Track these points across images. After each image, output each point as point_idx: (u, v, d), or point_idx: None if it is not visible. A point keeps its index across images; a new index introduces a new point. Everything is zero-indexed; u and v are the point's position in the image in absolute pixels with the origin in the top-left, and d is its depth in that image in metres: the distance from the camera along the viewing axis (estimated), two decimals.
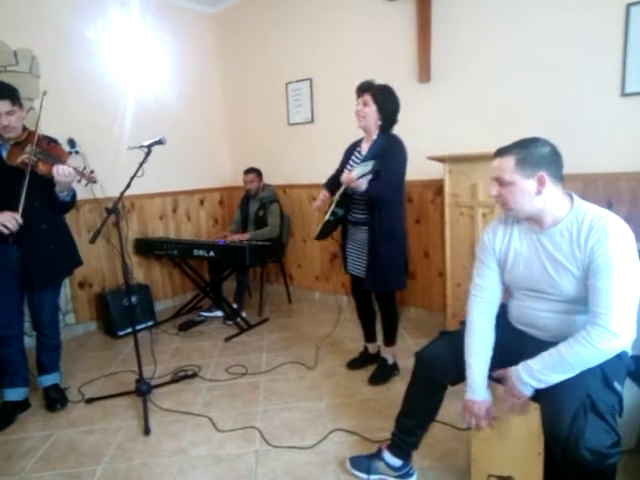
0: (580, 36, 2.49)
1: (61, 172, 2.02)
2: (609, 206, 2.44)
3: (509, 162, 1.31)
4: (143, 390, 2.29)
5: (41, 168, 2.07)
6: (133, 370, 2.60)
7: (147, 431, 2.11)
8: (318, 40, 3.67)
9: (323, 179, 2.54)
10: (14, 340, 2.27)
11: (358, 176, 2.04)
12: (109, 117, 3.58)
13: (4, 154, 2.10)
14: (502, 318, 1.55)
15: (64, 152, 2.22)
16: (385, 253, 2.24)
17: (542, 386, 1.26)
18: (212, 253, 3.38)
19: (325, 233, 2.38)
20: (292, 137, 4.03)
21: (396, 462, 1.67)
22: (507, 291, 1.56)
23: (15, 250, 2.16)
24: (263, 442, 2.00)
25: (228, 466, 1.86)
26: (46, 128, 2.43)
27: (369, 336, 2.66)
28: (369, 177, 2.08)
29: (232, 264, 3.56)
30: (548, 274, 1.35)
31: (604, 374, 1.23)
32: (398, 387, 2.36)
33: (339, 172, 2.44)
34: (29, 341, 2.54)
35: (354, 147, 2.42)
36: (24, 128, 2.17)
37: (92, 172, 2.09)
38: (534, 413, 1.32)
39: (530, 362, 1.28)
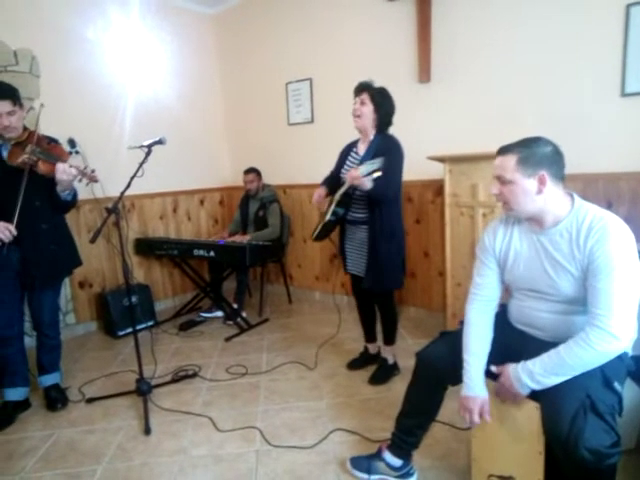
0: (580, 36, 2.49)
1: (63, 170, 2.02)
2: (609, 206, 2.45)
3: (510, 161, 1.31)
4: (143, 390, 2.30)
5: (41, 168, 2.07)
6: (133, 370, 2.60)
7: (147, 431, 2.11)
8: (318, 40, 3.67)
9: (323, 179, 2.54)
10: (14, 340, 2.27)
11: (364, 174, 2.03)
12: (109, 117, 3.58)
13: (5, 154, 2.10)
14: (502, 318, 1.55)
15: (64, 152, 2.23)
16: (385, 252, 2.26)
17: (540, 388, 1.26)
18: (212, 253, 3.38)
19: (324, 234, 2.39)
20: (292, 137, 4.03)
21: (396, 462, 1.67)
22: (507, 291, 1.56)
23: (15, 250, 2.16)
24: (264, 442, 2.00)
25: (228, 466, 1.86)
26: (46, 128, 2.43)
27: (369, 336, 2.66)
28: (375, 175, 2.07)
29: (232, 264, 3.56)
30: (548, 274, 1.35)
31: (604, 374, 1.23)
32: (398, 387, 2.37)
33: (334, 173, 2.45)
34: (29, 341, 2.54)
35: (350, 148, 2.43)
36: (25, 128, 2.17)
37: (93, 171, 2.09)
38: (534, 413, 1.32)
39: (530, 364, 1.28)
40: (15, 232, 2.03)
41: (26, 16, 3.10)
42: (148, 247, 3.77)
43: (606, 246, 1.21)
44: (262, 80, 4.15)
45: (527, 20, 2.65)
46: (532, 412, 1.33)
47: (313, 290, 4.10)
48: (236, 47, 4.31)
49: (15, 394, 2.31)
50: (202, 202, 4.41)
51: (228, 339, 3.23)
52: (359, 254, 2.38)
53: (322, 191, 2.40)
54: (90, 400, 2.44)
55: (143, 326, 3.36)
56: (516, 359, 1.34)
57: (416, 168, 2.91)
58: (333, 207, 2.28)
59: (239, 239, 3.55)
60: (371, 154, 2.23)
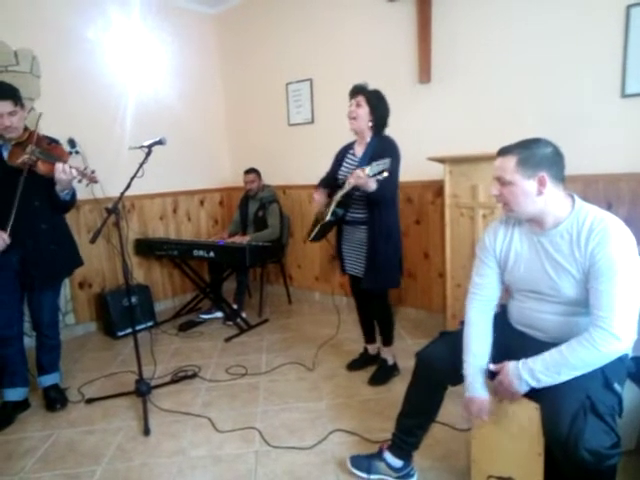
0: (580, 37, 2.50)
1: (62, 170, 2.02)
2: (609, 207, 2.45)
3: (510, 162, 1.31)
4: (143, 390, 2.29)
5: (41, 168, 2.07)
6: (133, 370, 2.60)
7: (147, 431, 2.11)
8: (318, 41, 3.67)
9: (319, 181, 2.54)
10: (14, 340, 2.27)
11: (371, 175, 2.02)
12: (110, 117, 3.58)
13: (5, 154, 2.10)
14: (502, 319, 1.55)
15: (64, 152, 2.23)
16: (383, 252, 2.28)
17: (539, 386, 1.26)
18: (212, 254, 3.38)
19: (322, 234, 2.41)
20: (292, 137, 4.03)
21: (397, 463, 1.67)
22: (507, 292, 1.56)
23: (15, 250, 2.16)
24: (263, 442, 2.00)
25: (228, 466, 1.86)
26: (47, 128, 2.43)
27: (369, 337, 2.66)
28: (383, 176, 2.05)
29: (232, 265, 3.56)
30: (548, 276, 1.35)
31: (604, 375, 1.23)
32: (398, 388, 2.36)
33: (330, 175, 2.46)
34: (29, 341, 2.54)
35: (346, 150, 2.45)
36: (25, 128, 2.17)
37: (93, 172, 2.09)
38: (534, 414, 1.32)
39: (530, 361, 1.27)
40: (9, 241, 2.02)
41: (27, 16, 3.10)
42: (148, 247, 3.77)
43: (607, 248, 1.21)
44: (262, 80, 4.16)
45: (527, 21, 2.65)
46: (532, 413, 1.33)
47: (313, 291, 4.10)
48: (237, 47, 4.31)
49: (14, 394, 2.31)
50: (202, 202, 4.41)
51: (228, 340, 3.23)
52: (357, 254, 2.39)
53: (323, 193, 2.41)
54: (89, 400, 2.43)
55: (143, 327, 3.35)
56: (516, 360, 1.33)
57: (416, 169, 2.91)
58: (333, 207, 2.28)
59: (239, 240, 3.55)
60: (369, 155, 2.24)
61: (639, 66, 2.33)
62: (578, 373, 1.22)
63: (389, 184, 2.17)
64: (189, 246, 3.52)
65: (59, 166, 2.02)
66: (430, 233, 3.26)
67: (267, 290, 4.12)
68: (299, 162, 3.98)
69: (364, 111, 2.25)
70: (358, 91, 2.28)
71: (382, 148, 2.22)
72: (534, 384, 1.26)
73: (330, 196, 2.36)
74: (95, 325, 3.57)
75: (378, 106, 2.26)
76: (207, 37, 4.36)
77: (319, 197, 2.40)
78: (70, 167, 2.04)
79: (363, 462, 1.73)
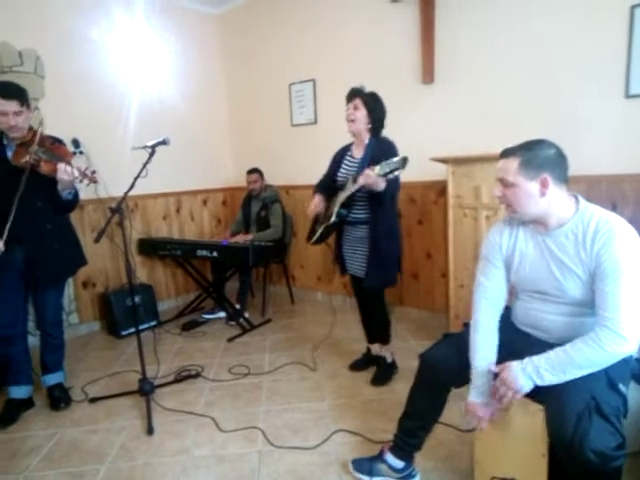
0: (584, 38, 2.49)
1: (64, 170, 2.03)
2: (613, 208, 2.44)
3: (513, 163, 1.31)
4: (146, 390, 2.30)
5: (44, 168, 2.08)
6: (136, 370, 2.60)
7: (150, 431, 2.11)
8: (321, 41, 3.67)
9: (316, 185, 2.54)
10: (18, 339, 2.28)
11: (380, 174, 2.01)
12: (113, 117, 3.59)
13: (9, 154, 2.11)
14: (507, 320, 1.55)
15: (68, 152, 2.23)
16: (386, 250, 2.30)
17: (543, 384, 1.24)
18: (215, 253, 3.39)
19: (325, 236, 2.41)
20: (295, 138, 4.03)
21: (398, 464, 1.67)
22: (512, 293, 1.55)
23: (19, 250, 2.17)
24: (266, 442, 2.00)
25: (231, 466, 1.86)
26: (51, 129, 2.43)
27: (372, 337, 2.66)
28: (395, 174, 2.04)
29: (235, 264, 3.57)
30: (554, 276, 1.35)
31: (608, 376, 1.23)
32: (401, 388, 2.36)
33: (328, 177, 2.47)
34: (33, 340, 2.55)
35: (343, 152, 2.46)
36: (30, 128, 2.17)
37: (94, 172, 2.10)
38: (538, 415, 1.32)
39: (535, 359, 1.26)
40: (3, 248, 2.01)
41: (31, 17, 3.11)
42: (151, 247, 3.78)
43: (613, 249, 1.21)
44: (265, 81, 4.16)
45: (530, 22, 2.65)
46: (535, 414, 1.33)
47: (315, 291, 4.10)
48: (240, 47, 4.32)
49: (19, 392, 2.32)
50: (205, 202, 4.41)
51: (231, 339, 3.23)
52: (358, 254, 2.39)
53: (319, 200, 2.40)
54: (93, 400, 2.44)
55: (146, 326, 3.36)
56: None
57: (419, 169, 2.91)
58: (337, 209, 2.28)
59: (242, 239, 3.56)
60: (369, 157, 2.26)
61: None
62: (584, 372, 1.21)
63: (394, 183, 2.18)
64: (192, 246, 3.52)
65: (61, 166, 2.03)
66: (433, 233, 3.26)
67: (270, 290, 4.12)
68: (302, 162, 3.98)
69: (362, 114, 2.27)
70: (355, 94, 2.30)
71: (381, 149, 2.24)
72: (538, 382, 1.25)
73: (329, 199, 2.37)
74: (99, 324, 3.59)
75: (375, 108, 2.28)
76: (210, 37, 4.37)
77: (316, 208, 2.40)
78: (71, 167, 2.05)
79: (365, 465, 1.73)
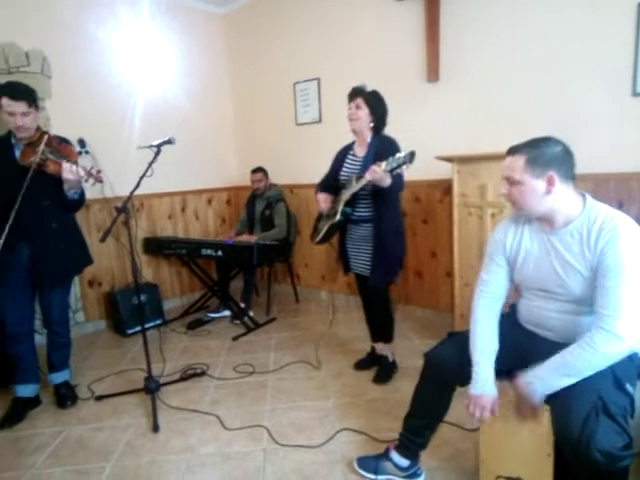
0: (590, 35, 2.47)
1: (69, 169, 2.04)
2: (620, 206, 2.42)
3: (519, 161, 1.31)
4: (152, 388, 2.31)
5: (51, 168, 2.09)
6: (142, 368, 2.62)
7: (156, 428, 2.12)
8: (326, 40, 3.67)
9: (318, 184, 2.54)
10: (25, 337, 2.30)
11: (388, 170, 2.01)
12: (119, 117, 3.61)
13: (17, 154, 2.12)
14: (512, 318, 1.54)
15: (73, 152, 2.24)
16: (391, 248, 2.30)
17: (552, 391, 1.25)
18: (220, 252, 3.40)
19: (330, 235, 2.42)
20: (300, 137, 4.03)
21: (404, 462, 1.67)
22: (516, 291, 1.55)
23: (26, 249, 2.18)
24: (271, 440, 2.01)
25: (236, 464, 1.87)
26: (57, 128, 2.46)
27: (376, 336, 2.65)
28: (403, 169, 2.03)
29: (240, 263, 3.57)
30: (557, 274, 1.35)
31: (615, 376, 1.22)
32: (406, 387, 2.35)
33: (330, 176, 2.47)
34: (40, 339, 2.57)
35: (346, 151, 2.46)
36: (37, 129, 2.19)
37: (99, 172, 2.11)
38: (543, 414, 1.31)
39: (537, 370, 1.27)
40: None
41: (37, 17, 3.13)
42: (157, 246, 3.79)
43: (617, 246, 1.20)
44: (270, 80, 4.16)
45: (536, 19, 2.63)
46: (541, 414, 1.32)
47: (320, 289, 4.10)
48: (245, 46, 4.32)
49: (26, 390, 2.34)
50: (210, 202, 4.43)
51: (235, 338, 3.24)
52: (362, 253, 2.39)
53: (325, 197, 2.42)
54: (99, 398, 2.46)
55: (151, 325, 3.38)
56: (526, 359, 1.33)
57: (424, 167, 2.89)
58: (342, 207, 2.28)
59: (246, 239, 3.57)
60: (372, 155, 2.25)
61: None
62: (585, 375, 1.21)
63: (398, 181, 2.18)
64: (197, 245, 3.53)
65: (66, 165, 2.04)
66: (438, 232, 3.25)
67: (274, 289, 4.13)
68: (306, 161, 3.98)
69: (364, 112, 2.28)
70: (357, 93, 2.30)
71: (384, 147, 2.24)
72: (547, 391, 1.25)
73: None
74: (105, 323, 3.61)
75: (377, 107, 2.29)
76: (215, 36, 4.37)
77: (326, 197, 2.41)
78: (77, 166, 2.06)
79: (370, 463, 1.73)
